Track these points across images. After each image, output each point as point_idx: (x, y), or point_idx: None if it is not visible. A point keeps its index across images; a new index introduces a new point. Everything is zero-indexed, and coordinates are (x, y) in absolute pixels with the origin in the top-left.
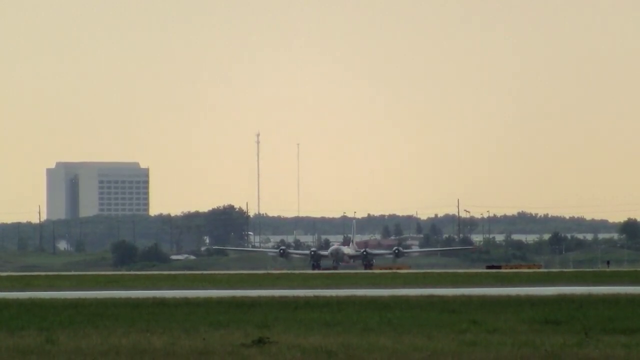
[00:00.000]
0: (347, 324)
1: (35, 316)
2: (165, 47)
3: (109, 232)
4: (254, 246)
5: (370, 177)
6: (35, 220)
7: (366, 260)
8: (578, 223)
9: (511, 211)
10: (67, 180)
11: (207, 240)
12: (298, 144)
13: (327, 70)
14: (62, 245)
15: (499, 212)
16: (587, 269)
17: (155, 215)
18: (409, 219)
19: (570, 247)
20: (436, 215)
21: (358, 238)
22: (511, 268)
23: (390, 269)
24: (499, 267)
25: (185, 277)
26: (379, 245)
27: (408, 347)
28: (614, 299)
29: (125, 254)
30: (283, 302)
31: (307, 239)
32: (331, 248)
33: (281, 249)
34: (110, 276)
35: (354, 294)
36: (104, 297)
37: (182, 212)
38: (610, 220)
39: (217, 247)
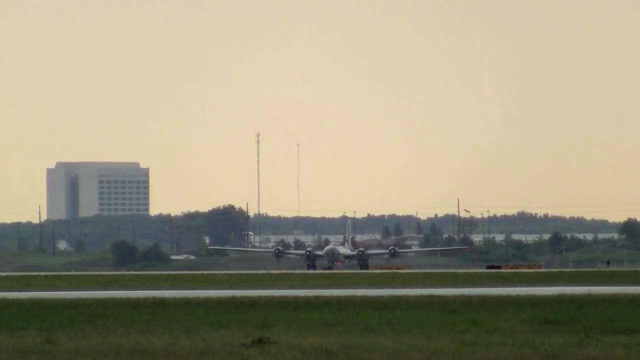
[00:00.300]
0: (347, 324)
1: (35, 316)
2: (165, 47)
3: (109, 232)
4: (253, 246)
5: (370, 177)
6: (35, 220)
7: (362, 260)
8: (578, 223)
9: (511, 211)
10: (67, 180)
11: (207, 240)
12: (298, 144)
13: (327, 70)
14: (62, 245)
15: (499, 212)
16: (587, 269)
17: (155, 215)
18: (409, 219)
19: (570, 247)
20: (436, 215)
21: (358, 238)
22: (511, 268)
23: (390, 269)
24: (499, 267)
25: (185, 277)
26: (379, 245)
27: (408, 347)
28: (614, 299)
29: (125, 254)
30: (283, 302)
31: (308, 239)
32: (326, 248)
33: (276, 249)
34: (110, 276)
35: (354, 294)
36: (104, 297)
37: (182, 212)
38: (610, 220)
39: (211, 247)
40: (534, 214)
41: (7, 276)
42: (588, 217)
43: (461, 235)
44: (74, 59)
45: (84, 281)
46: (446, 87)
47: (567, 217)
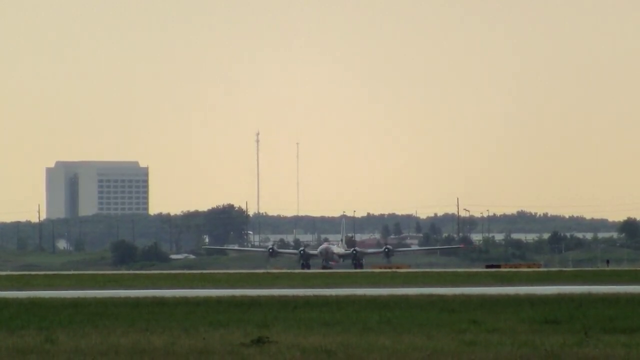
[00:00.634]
0: (347, 324)
1: (34, 315)
2: (165, 47)
3: (109, 232)
4: (253, 245)
5: (370, 177)
6: (34, 219)
7: (356, 259)
8: (578, 222)
9: (511, 210)
10: (67, 179)
11: (207, 240)
12: (298, 143)
13: (327, 69)
14: (62, 244)
15: (499, 211)
16: (587, 268)
17: (154, 215)
18: (409, 218)
19: (569, 246)
20: (436, 214)
21: (358, 237)
22: (511, 267)
23: (390, 268)
24: (498, 267)
25: (185, 277)
26: (378, 245)
27: (407, 347)
28: (614, 298)
29: (124, 253)
30: (282, 302)
31: (307, 238)
32: (320, 247)
33: (270, 249)
34: (110, 275)
35: (354, 293)
36: (104, 297)
37: (182, 211)
38: (610, 219)
39: (205, 247)
40: (533, 213)
41: (7, 275)
42: (588, 216)
43: (461, 234)
44: (74, 58)
45: (83, 280)
46: (446, 87)
47: (567, 216)
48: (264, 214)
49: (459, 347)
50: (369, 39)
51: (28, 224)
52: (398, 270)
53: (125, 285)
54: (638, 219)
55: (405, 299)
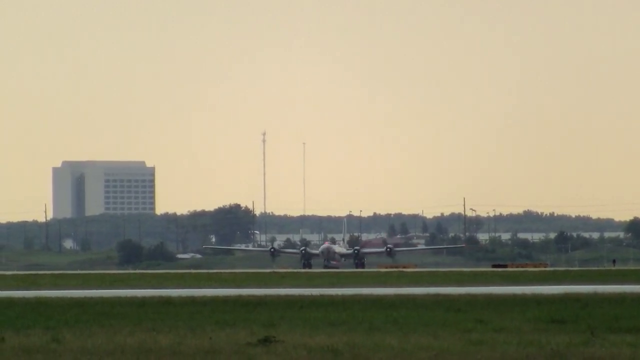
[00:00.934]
0: (353, 323)
1: (41, 315)
2: (169, 47)
3: (115, 231)
4: (260, 245)
5: (376, 176)
6: (41, 219)
7: (357, 258)
8: (584, 222)
9: (517, 210)
10: (73, 179)
11: (214, 239)
12: (304, 143)
13: (333, 69)
14: (68, 244)
15: (505, 211)
16: (593, 268)
17: (161, 214)
18: (415, 217)
19: (576, 245)
20: (442, 214)
21: (364, 237)
22: (517, 267)
23: (396, 267)
24: (505, 266)
25: (191, 276)
26: (383, 244)
27: (414, 346)
28: (620, 298)
29: (131, 253)
30: (289, 301)
31: (314, 237)
32: (322, 247)
33: (271, 248)
34: (116, 275)
35: (360, 292)
36: (110, 296)
37: (188, 211)
38: (616, 219)
39: (206, 247)
40: (540, 213)
41: (13, 275)
42: (594, 216)
43: (467, 234)
44: (80, 58)
45: (89, 280)
46: (452, 86)
47: (573, 216)
48: (271, 213)
49: (465, 347)
50: (374, 37)
51: (35, 223)
52: (404, 270)
53: (132, 285)
54: None
55: (412, 298)
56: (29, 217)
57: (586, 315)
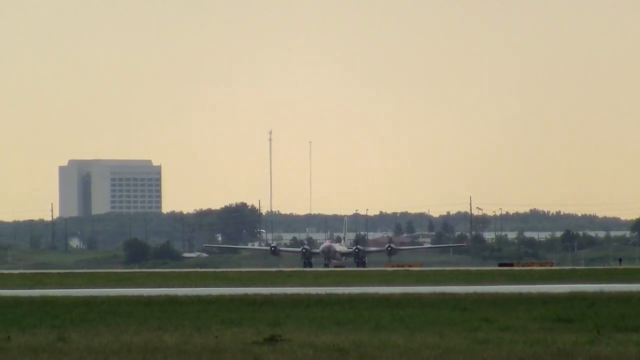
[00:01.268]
0: (359, 322)
1: (47, 314)
2: (176, 46)
3: (121, 230)
4: (267, 244)
5: (382, 175)
6: (47, 217)
7: (358, 257)
8: (590, 221)
9: (523, 209)
10: (80, 177)
11: (220, 238)
12: (310, 142)
13: (338, 68)
14: (75, 242)
15: (511, 210)
16: (599, 267)
17: (167, 213)
18: (421, 216)
19: (582, 244)
20: (448, 212)
21: (370, 236)
22: (523, 266)
23: (402, 266)
24: (511, 265)
25: (197, 275)
26: (390, 243)
27: (420, 345)
28: (626, 297)
29: (137, 252)
30: (295, 300)
31: (320, 236)
32: (322, 245)
33: (272, 247)
34: (122, 274)
35: (366, 291)
36: (116, 295)
37: (195, 209)
38: (622, 218)
39: (207, 245)
40: (546, 212)
41: (20, 274)
42: (600, 214)
43: (473, 232)
44: (87, 57)
45: (96, 279)
46: (459, 84)
47: (579, 214)
48: (277, 212)
49: (471, 346)
50: (381, 35)
51: (41, 222)
52: (410, 268)
53: (138, 284)
54: None
55: (418, 297)
56: (35, 216)
57: (592, 314)
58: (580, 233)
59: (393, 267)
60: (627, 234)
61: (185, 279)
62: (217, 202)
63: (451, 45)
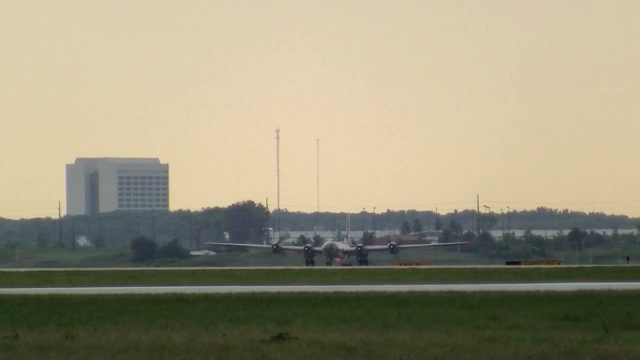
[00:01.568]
0: (366, 320)
1: (54, 312)
2: (185, 45)
3: (129, 228)
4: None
5: (390, 173)
6: (55, 216)
7: (360, 255)
8: (597, 219)
9: (531, 207)
10: (87, 176)
11: (227, 236)
12: (317, 140)
13: (346, 67)
14: (82, 241)
15: (519, 208)
16: (607, 265)
17: (174, 211)
18: (429, 214)
19: (589, 242)
20: (456, 210)
21: (378, 234)
22: (530, 264)
23: (409, 264)
24: (518, 263)
25: (205, 273)
26: (398, 241)
27: (427, 343)
28: (634, 295)
29: (144, 250)
30: (302, 298)
31: (327, 234)
32: (325, 244)
33: (274, 245)
34: (130, 272)
35: (373, 290)
36: (124, 293)
37: (202, 207)
38: (630, 216)
39: (209, 243)
40: (553, 210)
41: (27, 272)
42: (607, 212)
43: (480, 231)
44: (94, 55)
45: (103, 277)
46: (467, 83)
47: (587, 212)
48: (284, 210)
49: (478, 344)
50: (387, 35)
51: (48, 220)
52: (417, 267)
53: (145, 282)
54: None
55: (425, 295)
56: (42, 214)
57: (600, 312)
58: (588, 231)
59: (400, 265)
60: (635, 232)
61: (193, 277)
62: (224, 200)
63: (460, 43)
